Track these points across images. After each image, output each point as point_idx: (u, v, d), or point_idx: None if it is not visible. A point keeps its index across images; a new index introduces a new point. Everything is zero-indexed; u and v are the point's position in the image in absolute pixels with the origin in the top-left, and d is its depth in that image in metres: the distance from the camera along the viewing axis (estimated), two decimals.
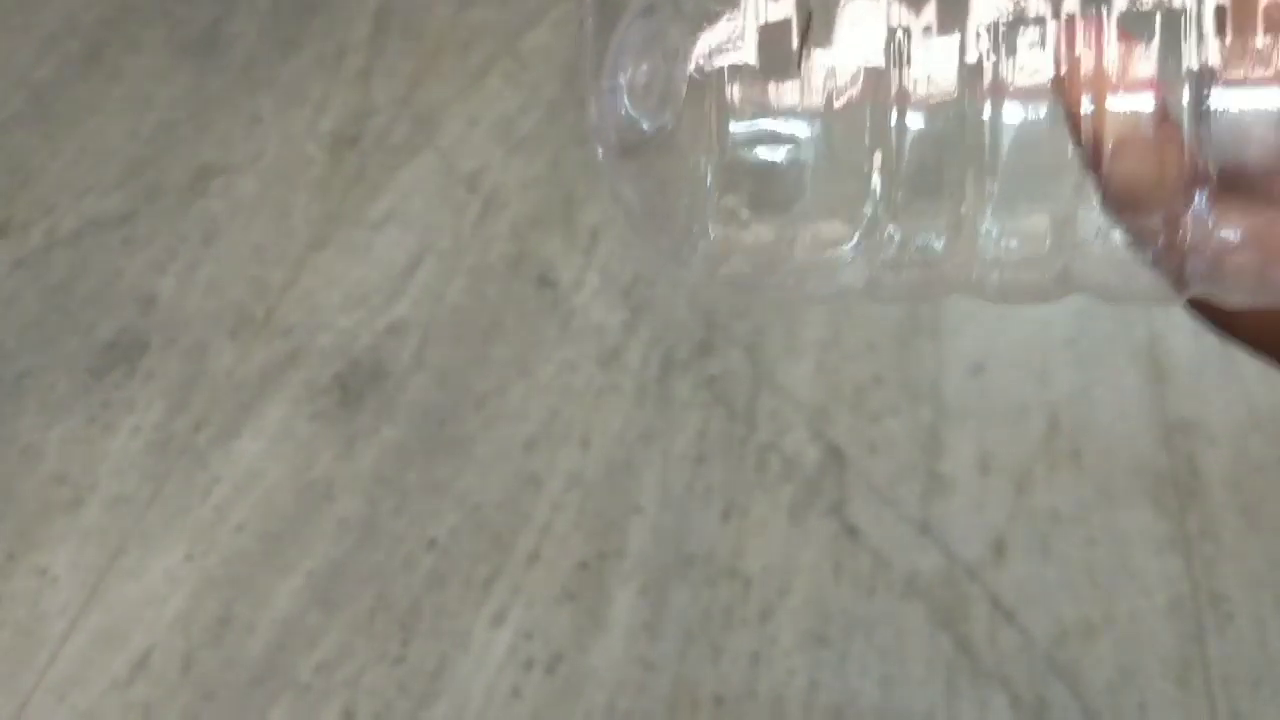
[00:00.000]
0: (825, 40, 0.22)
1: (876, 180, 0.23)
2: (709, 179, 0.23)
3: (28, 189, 1.05)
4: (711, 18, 0.23)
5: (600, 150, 0.25)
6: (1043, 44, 0.22)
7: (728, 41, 0.23)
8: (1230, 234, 0.22)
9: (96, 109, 1.11)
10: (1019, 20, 0.22)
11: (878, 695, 0.75)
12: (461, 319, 0.96)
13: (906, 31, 0.22)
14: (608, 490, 0.85)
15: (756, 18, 0.23)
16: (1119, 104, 0.22)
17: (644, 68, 0.24)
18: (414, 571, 0.82)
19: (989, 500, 0.83)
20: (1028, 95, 0.22)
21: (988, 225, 0.24)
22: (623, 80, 0.24)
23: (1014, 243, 0.24)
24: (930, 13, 0.22)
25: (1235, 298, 0.23)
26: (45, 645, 0.79)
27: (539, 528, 0.83)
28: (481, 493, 0.85)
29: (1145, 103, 0.22)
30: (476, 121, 1.11)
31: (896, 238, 0.24)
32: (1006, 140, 0.23)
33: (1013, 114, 0.22)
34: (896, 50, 0.22)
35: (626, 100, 0.24)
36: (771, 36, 0.23)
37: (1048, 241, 0.23)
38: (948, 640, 0.77)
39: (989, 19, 0.22)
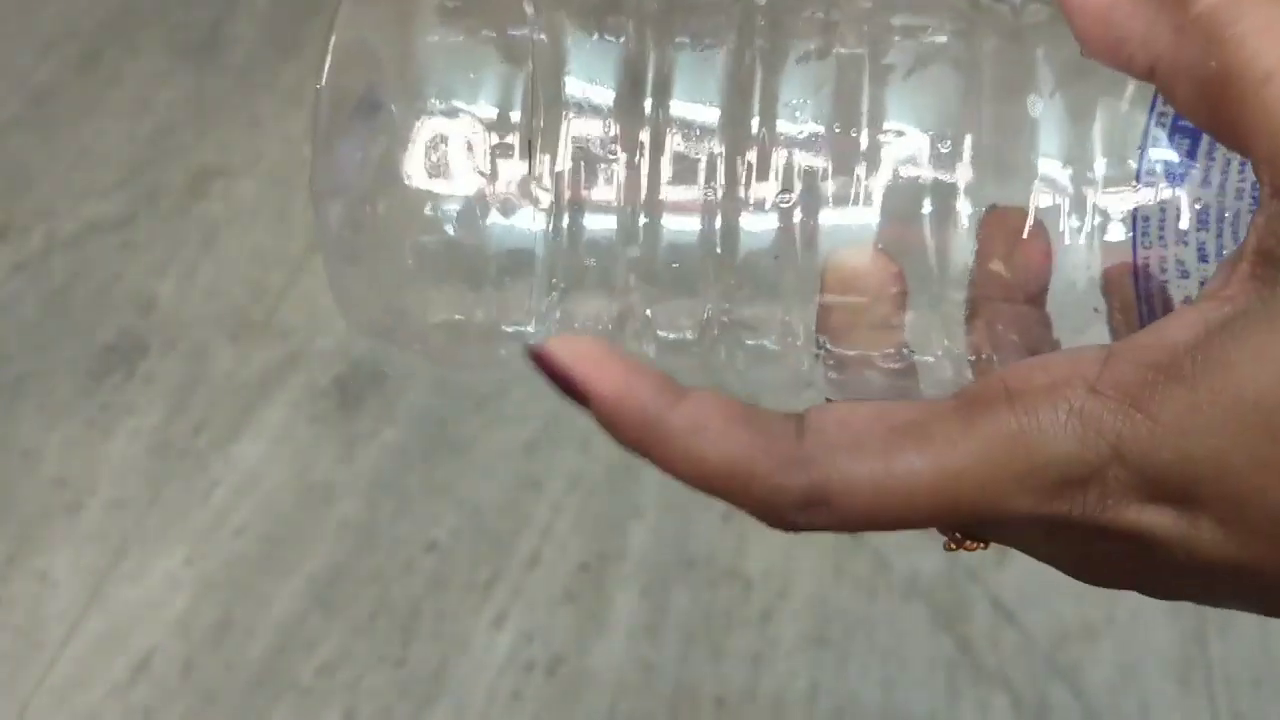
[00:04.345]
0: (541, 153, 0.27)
1: (543, 270, 0.27)
2: (419, 268, 0.27)
3: (27, 192, 1.05)
4: (427, 121, 0.27)
5: (324, 253, 0.28)
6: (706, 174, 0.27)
7: (431, 145, 0.27)
8: None
9: (96, 112, 1.11)
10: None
11: (879, 696, 0.75)
12: None
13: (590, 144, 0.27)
14: (608, 492, 0.85)
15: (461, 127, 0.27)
16: None
17: (359, 166, 0.27)
18: (414, 574, 0.82)
19: None
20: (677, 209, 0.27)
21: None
22: (345, 182, 0.27)
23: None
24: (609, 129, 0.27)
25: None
26: (45, 648, 0.79)
27: (539, 530, 0.83)
28: (482, 495, 0.85)
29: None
30: None
31: (570, 320, 0.28)
32: (664, 245, 0.27)
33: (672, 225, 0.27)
34: (587, 168, 0.27)
35: (347, 204, 0.27)
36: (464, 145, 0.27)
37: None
38: (949, 641, 0.77)
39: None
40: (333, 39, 0.27)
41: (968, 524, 0.23)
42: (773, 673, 0.77)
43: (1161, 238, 0.25)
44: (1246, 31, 0.20)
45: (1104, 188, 0.26)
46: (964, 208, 0.26)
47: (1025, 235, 0.26)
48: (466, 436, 0.89)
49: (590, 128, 0.27)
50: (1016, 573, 0.80)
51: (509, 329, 0.28)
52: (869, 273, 0.26)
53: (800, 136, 0.26)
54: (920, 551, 0.81)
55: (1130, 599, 0.83)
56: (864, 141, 0.26)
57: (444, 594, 0.81)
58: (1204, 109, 0.21)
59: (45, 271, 0.99)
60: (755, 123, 0.27)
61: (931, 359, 0.27)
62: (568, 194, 0.27)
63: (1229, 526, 0.20)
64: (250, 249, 1.01)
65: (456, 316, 0.28)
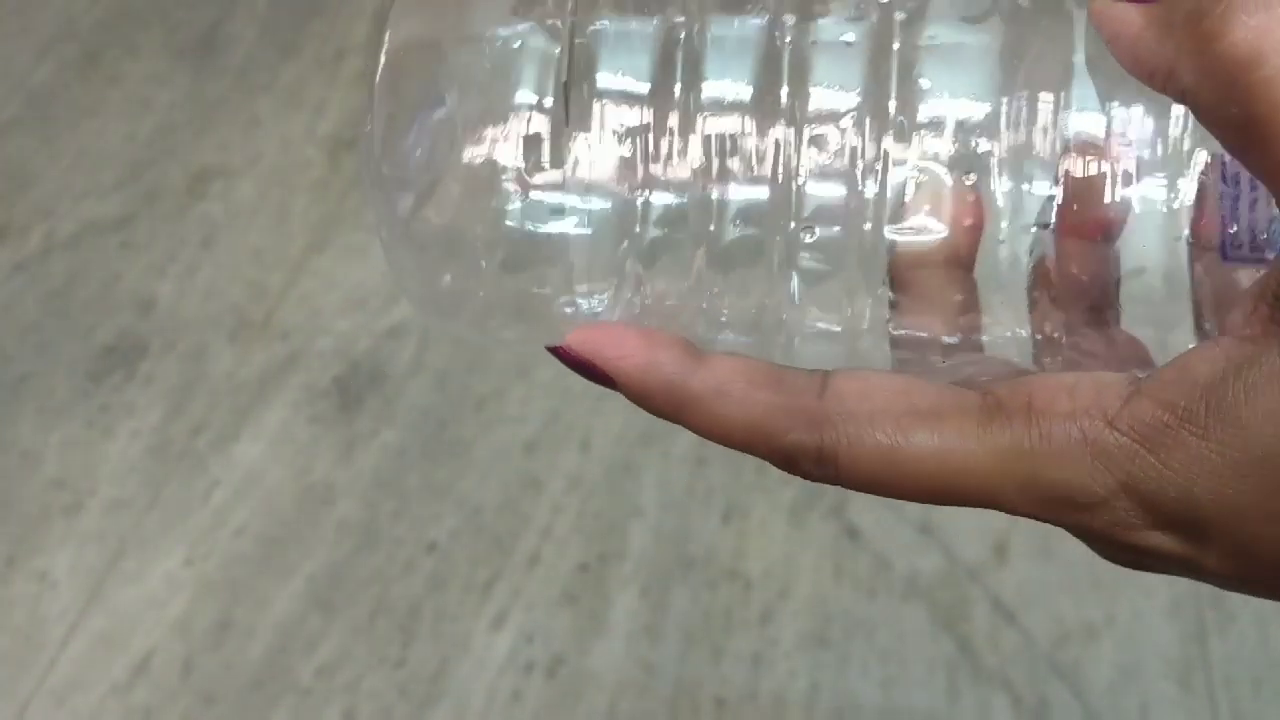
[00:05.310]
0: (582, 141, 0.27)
1: (625, 249, 0.27)
2: (486, 249, 0.28)
3: (26, 193, 1.05)
4: (490, 119, 0.27)
5: (381, 237, 0.28)
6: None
7: (500, 136, 0.27)
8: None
9: (95, 112, 1.11)
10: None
11: (879, 697, 0.75)
12: None
13: (646, 128, 0.27)
14: (608, 492, 0.85)
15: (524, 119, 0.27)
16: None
17: (424, 156, 0.27)
18: (414, 574, 0.82)
19: None
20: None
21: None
22: (404, 170, 0.28)
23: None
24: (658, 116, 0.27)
25: None
26: (45, 649, 0.79)
27: (539, 530, 0.83)
28: (481, 495, 0.85)
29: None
30: None
31: (636, 299, 0.28)
32: (729, 221, 0.27)
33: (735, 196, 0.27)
34: (641, 147, 0.27)
35: (412, 190, 0.28)
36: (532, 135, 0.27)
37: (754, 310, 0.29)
38: (949, 641, 0.77)
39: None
40: (388, 31, 0.28)
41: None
42: (773, 673, 0.77)
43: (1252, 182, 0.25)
44: (1269, 78, 0.20)
45: (1188, 130, 0.26)
46: (1036, 164, 0.26)
47: (1105, 177, 0.26)
48: (466, 436, 0.89)
49: (651, 110, 0.27)
50: (1016, 573, 0.80)
51: (569, 310, 0.28)
52: (948, 199, 0.26)
53: (865, 111, 0.26)
54: (920, 551, 0.81)
55: (1130, 599, 0.83)
56: (932, 110, 0.26)
57: (444, 594, 0.81)
58: (1231, 145, 0.22)
59: (45, 272, 0.99)
60: (811, 100, 0.27)
61: (996, 340, 0.27)
62: (636, 175, 0.27)
63: (1235, 559, 0.21)
64: (250, 249, 1.01)
65: (519, 298, 0.28)
